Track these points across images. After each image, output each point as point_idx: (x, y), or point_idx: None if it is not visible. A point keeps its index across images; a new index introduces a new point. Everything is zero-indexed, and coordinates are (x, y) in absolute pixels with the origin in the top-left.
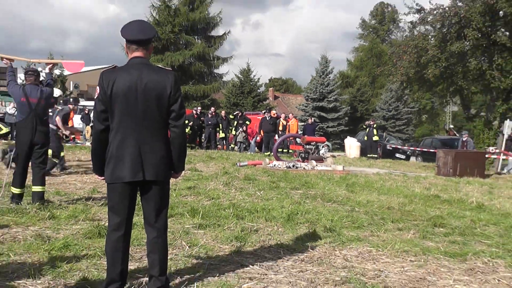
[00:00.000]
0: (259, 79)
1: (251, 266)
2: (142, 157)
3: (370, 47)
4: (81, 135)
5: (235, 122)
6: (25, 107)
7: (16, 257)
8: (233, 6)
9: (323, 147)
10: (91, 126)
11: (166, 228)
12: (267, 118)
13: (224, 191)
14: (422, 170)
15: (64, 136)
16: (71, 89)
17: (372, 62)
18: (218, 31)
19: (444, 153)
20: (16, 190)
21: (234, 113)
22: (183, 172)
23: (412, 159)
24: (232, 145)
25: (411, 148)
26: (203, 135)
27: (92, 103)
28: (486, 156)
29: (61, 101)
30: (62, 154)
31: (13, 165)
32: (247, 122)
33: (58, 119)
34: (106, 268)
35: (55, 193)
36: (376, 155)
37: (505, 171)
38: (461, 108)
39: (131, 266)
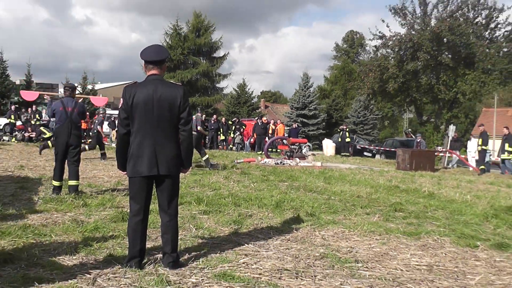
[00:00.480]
0: (252, 92)
1: (246, 245)
2: (157, 156)
3: (342, 66)
4: (108, 138)
5: (233, 127)
6: (63, 115)
7: (56, 238)
8: (232, 33)
9: (305, 147)
10: (116, 131)
11: (177, 214)
12: (259, 124)
13: (224, 183)
14: (385, 165)
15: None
16: None
17: (344, 78)
18: (220, 53)
19: (402, 151)
20: (56, 183)
21: (232, 120)
22: (190, 168)
23: (377, 156)
24: (230, 146)
25: (376, 147)
26: (207, 137)
27: (117, 112)
28: (435, 154)
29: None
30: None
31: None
32: (243, 127)
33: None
34: (128, 246)
35: (87, 185)
36: (348, 154)
37: (450, 166)
38: (415, 115)
39: (148, 245)
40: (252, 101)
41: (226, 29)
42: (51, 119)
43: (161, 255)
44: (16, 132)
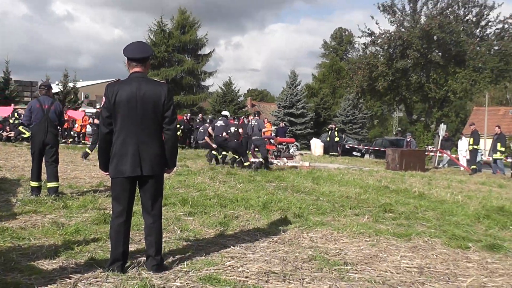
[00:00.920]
0: (239, 90)
1: (232, 247)
2: (140, 155)
3: (331, 64)
4: (90, 137)
5: None
6: (39, 113)
7: (36, 241)
8: (217, 30)
9: (292, 146)
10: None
11: (161, 215)
12: (246, 123)
13: (210, 184)
14: (374, 165)
15: None
16: (82, 98)
17: (332, 76)
18: (205, 50)
19: (392, 151)
20: (34, 184)
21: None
22: (175, 168)
23: (366, 156)
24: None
25: (365, 147)
26: (192, 136)
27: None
28: (426, 153)
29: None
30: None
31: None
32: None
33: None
34: (110, 249)
35: (68, 186)
36: (336, 153)
37: (440, 166)
38: (405, 114)
39: (131, 247)
40: (238, 99)
41: (211, 26)
42: (24, 119)
43: (145, 258)
44: None
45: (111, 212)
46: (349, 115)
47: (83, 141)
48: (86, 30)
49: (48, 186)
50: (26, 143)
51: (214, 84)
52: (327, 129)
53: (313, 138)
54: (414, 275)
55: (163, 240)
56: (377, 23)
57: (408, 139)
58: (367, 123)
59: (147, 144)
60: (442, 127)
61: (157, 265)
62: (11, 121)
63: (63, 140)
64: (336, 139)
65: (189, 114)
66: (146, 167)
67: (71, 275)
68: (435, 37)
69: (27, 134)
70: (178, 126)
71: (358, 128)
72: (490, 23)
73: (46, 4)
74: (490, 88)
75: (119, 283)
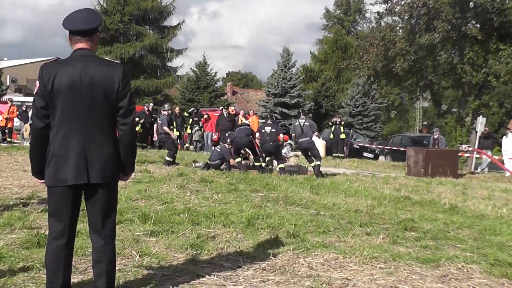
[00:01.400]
0: (216, 73)
1: (207, 277)
2: (87, 158)
3: (334, 39)
4: (19, 134)
5: (191, 120)
6: None
7: None
8: None
9: (285, 146)
10: (30, 124)
11: (114, 236)
12: (225, 115)
13: (178, 195)
14: (391, 170)
15: None
16: (8, 83)
17: (337, 55)
18: (172, 21)
19: (414, 151)
20: None
21: (190, 110)
22: (132, 174)
23: (381, 158)
24: (187, 145)
25: (379, 146)
26: (154, 134)
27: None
28: (459, 154)
29: None
30: None
31: None
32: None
33: None
34: (46, 281)
35: None
36: (342, 154)
37: (478, 170)
38: (431, 104)
39: (74, 278)
40: (216, 85)
41: None
42: None
43: None
44: None
45: (47, 232)
46: (358, 106)
47: (9, 139)
48: None
49: None
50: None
51: (184, 65)
52: (330, 123)
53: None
54: None
55: (116, 268)
56: None
57: (435, 136)
58: (382, 116)
59: (96, 143)
60: (481, 121)
61: None
62: None
63: (2, 137)
64: (342, 136)
65: (151, 104)
66: (95, 172)
67: None
68: (471, 3)
69: None
70: (137, 119)
71: (371, 122)
72: None
73: None
74: None
75: None
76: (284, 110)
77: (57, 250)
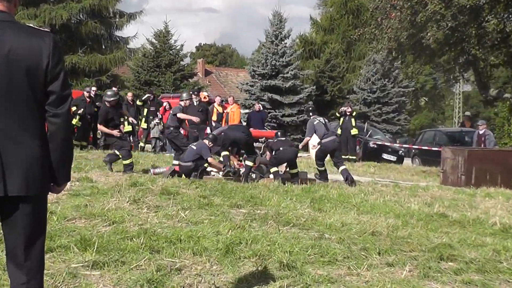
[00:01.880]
0: (182, 46)
1: None
2: (3, 161)
3: (343, 0)
4: None
5: (146, 110)
6: None
7: None
8: None
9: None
10: None
11: (42, 269)
12: (195, 104)
13: (131, 212)
14: (420, 177)
15: None
16: None
17: (346, 21)
18: None
19: (453, 152)
20: None
21: (144, 97)
22: (68, 183)
23: (407, 161)
24: (142, 144)
25: (404, 145)
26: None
27: None
28: None
29: None
30: None
31: None
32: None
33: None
34: None
35: None
36: (354, 156)
37: None
38: (476, 87)
39: None
40: (182, 62)
41: None
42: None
43: None
44: None
45: None
46: (375, 91)
47: None
48: None
49: None
50: None
51: (138, 35)
52: (337, 114)
53: None
54: None
55: None
56: None
57: (481, 131)
58: (408, 104)
59: (15, 141)
60: None
61: None
62: None
63: None
64: (354, 131)
65: (94, 88)
66: (14, 182)
67: None
68: None
69: None
70: (74, 109)
71: (392, 113)
72: None
73: None
74: None
75: None
76: (275, 96)
77: None
